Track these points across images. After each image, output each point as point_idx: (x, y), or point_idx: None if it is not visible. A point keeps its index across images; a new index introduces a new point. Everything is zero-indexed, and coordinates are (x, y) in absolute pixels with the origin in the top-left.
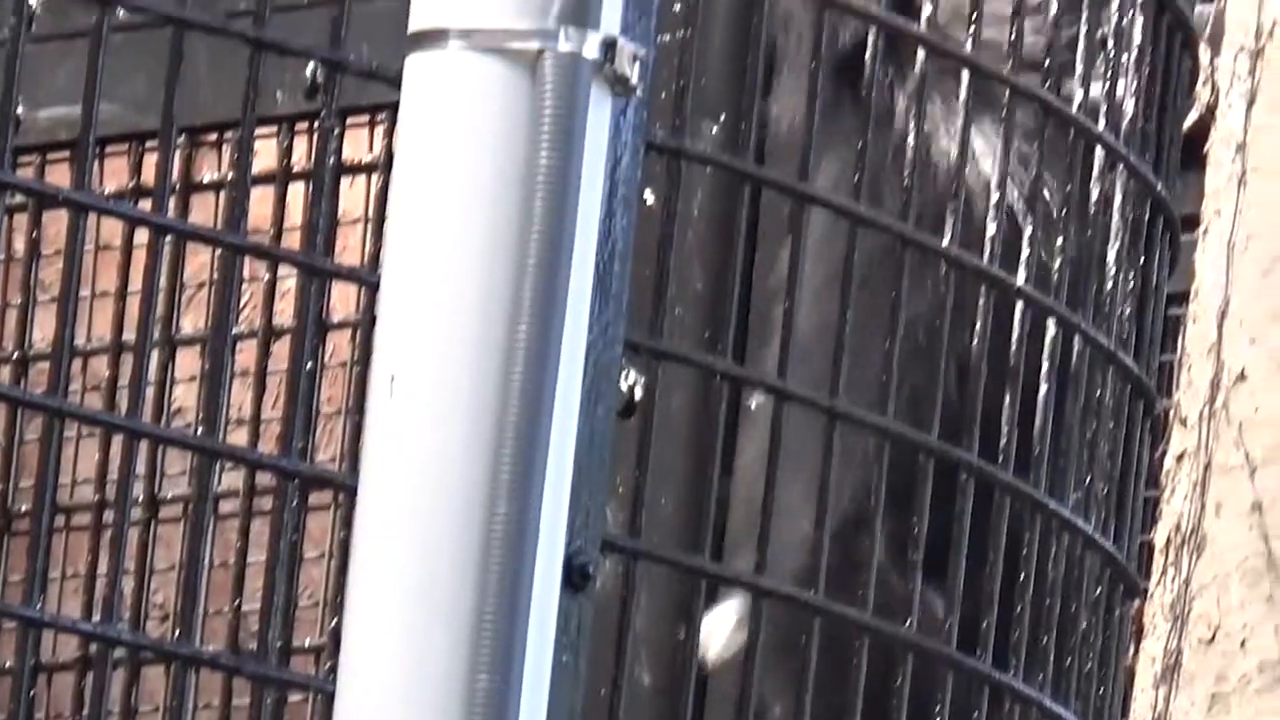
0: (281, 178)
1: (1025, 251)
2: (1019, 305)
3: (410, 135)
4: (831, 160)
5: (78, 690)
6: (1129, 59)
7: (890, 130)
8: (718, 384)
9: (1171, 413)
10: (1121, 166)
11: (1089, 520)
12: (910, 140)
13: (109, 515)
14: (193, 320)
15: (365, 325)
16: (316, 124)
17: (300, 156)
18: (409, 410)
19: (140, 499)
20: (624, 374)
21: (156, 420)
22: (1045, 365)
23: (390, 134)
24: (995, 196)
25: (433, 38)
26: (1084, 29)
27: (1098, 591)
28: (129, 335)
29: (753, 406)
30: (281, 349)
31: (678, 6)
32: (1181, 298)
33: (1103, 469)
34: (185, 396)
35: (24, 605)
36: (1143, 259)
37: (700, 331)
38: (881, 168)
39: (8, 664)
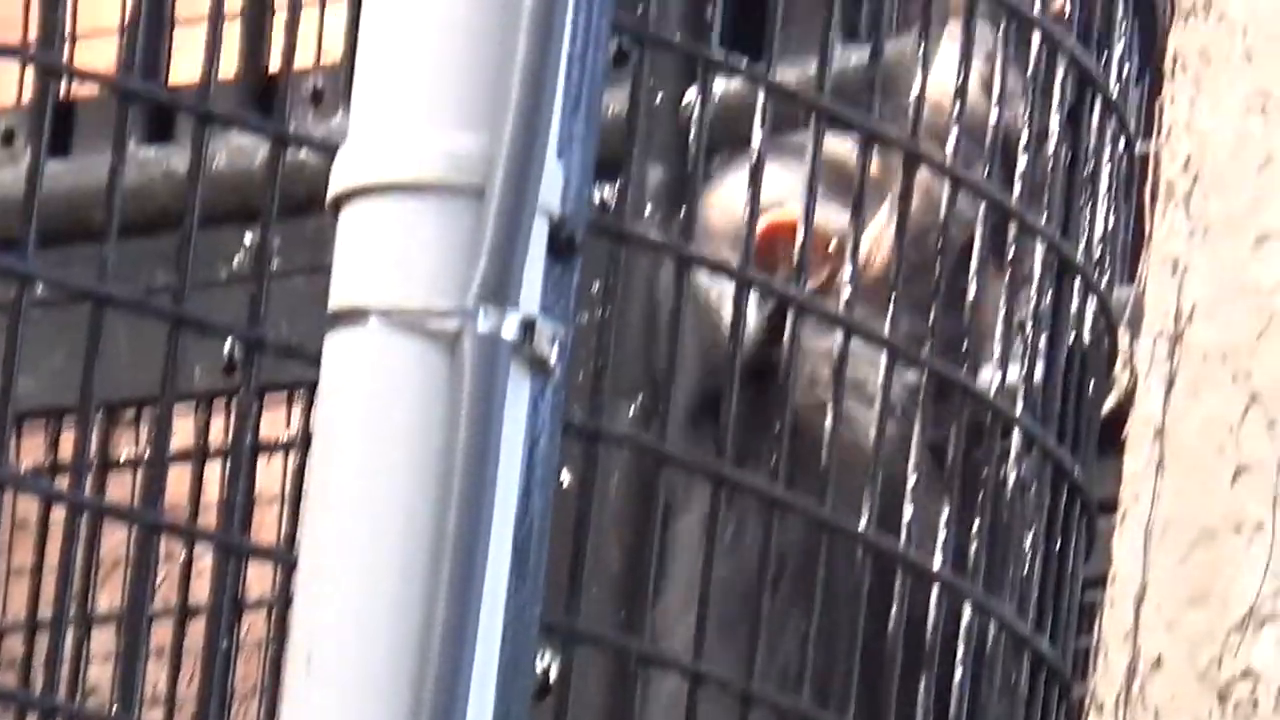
0: (199, 455)
1: (941, 534)
2: (935, 589)
3: (328, 413)
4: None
5: None
6: (1048, 342)
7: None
8: (633, 666)
9: (1087, 698)
10: (1038, 449)
11: None
12: (829, 425)
13: None
14: (108, 598)
15: (281, 604)
16: (234, 401)
17: (218, 433)
18: (325, 690)
19: None
20: (540, 654)
21: (71, 699)
22: (961, 649)
23: (308, 412)
24: (912, 480)
25: (352, 316)
26: (1002, 311)
27: None
28: (44, 613)
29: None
30: (197, 628)
31: (596, 286)
32: (1098, 582)
33: None
34: (100, 675)
35: None
36: (1059, 542)
37: (616, 611)
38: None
39: None
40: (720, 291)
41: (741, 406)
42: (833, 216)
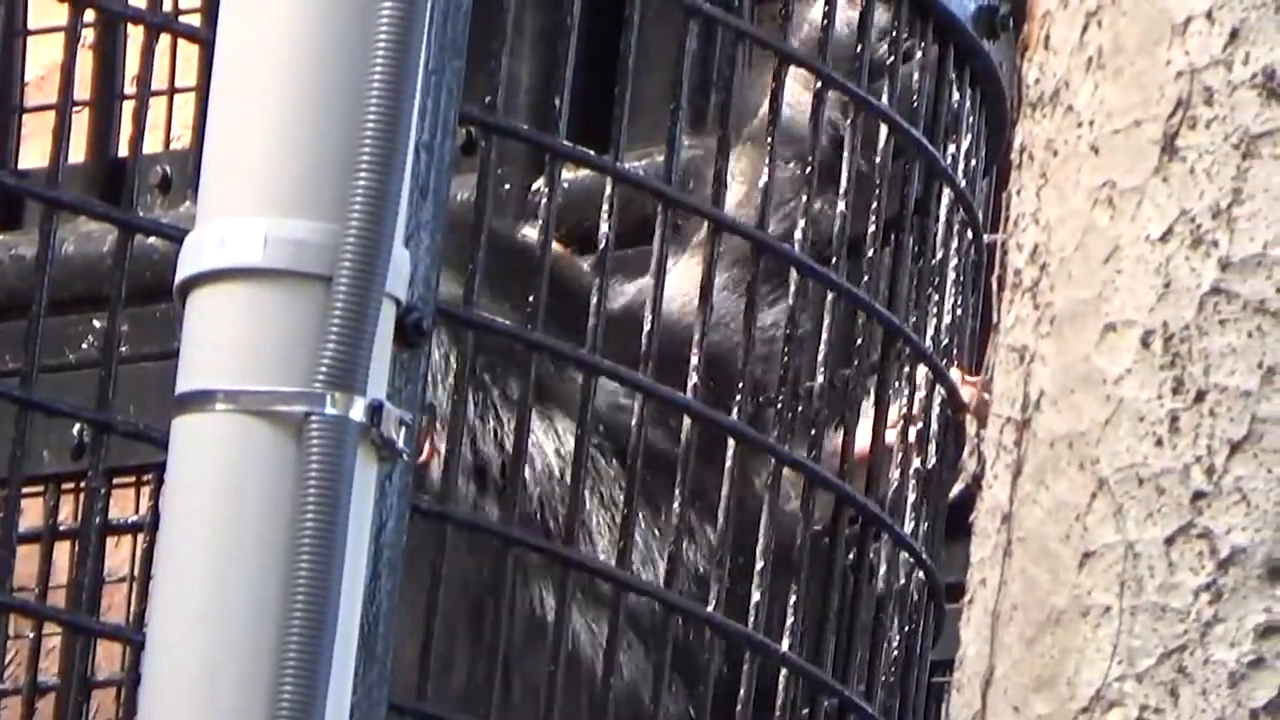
0: (48, 536)
1: (790, 619)
2: (783, 673)
3: (176, 496)
4: None
5: None
6: (896, 433)
7: None
8: None
9: None
10: (886, 536)
11: None
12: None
13: None
14: None
15: (129, 684)
16: (83, 483)
17: (67, 515)
18: None
19: None
20: None
21: None
22: None
23: (157, 494)
24: (760, 564)
25: (200, 399)
26: (849, 398)
27: None
28: None
29: None
30: (46, 706)
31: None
32: (945, 666)
33: None
34: None
35: None
36: (908, 627)
37: (461, 692)
38: None
39: None
40: None
41: None
42: None
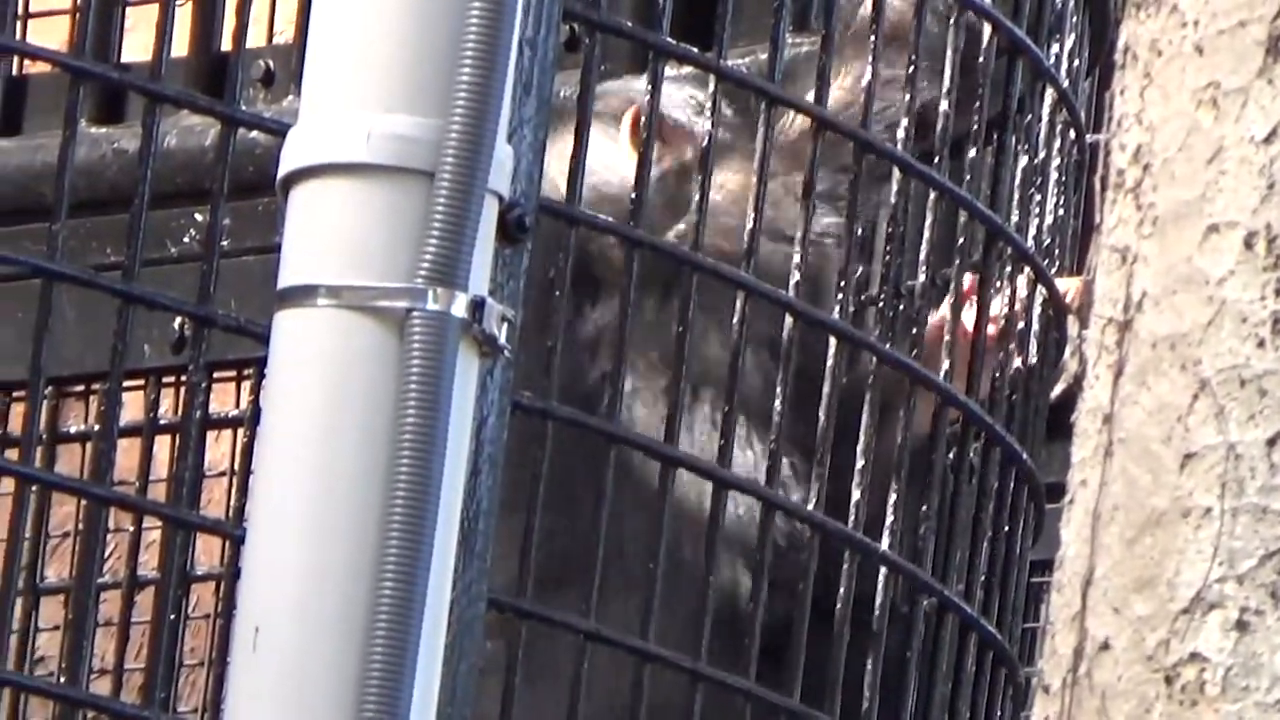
0: (148, 430)
1: (889, 518)
2: (883, 572)
3: (277, 391)
4: None
5: None
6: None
7: None
8: (581, 643)
9: (1034, 680)
10: (987, 436)
11: None
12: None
13: None
14: (57, 569)
15: (229, 578)
16: (184, 377)
17: (167, 409)
18: (272, 663)
19: None
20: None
21: (19, 669)
22: (909, 632)
23: (257, 389)
24: (861, 462)
25: (301, 294)
26: (949, 300)
27: None
28: None
29: None
30: (145, 599)
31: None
32: (1045, 566)
33: None
34: (48, 645)
35: None
36: (1007, 527)
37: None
38: None
39: None
40: None
41: None
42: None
